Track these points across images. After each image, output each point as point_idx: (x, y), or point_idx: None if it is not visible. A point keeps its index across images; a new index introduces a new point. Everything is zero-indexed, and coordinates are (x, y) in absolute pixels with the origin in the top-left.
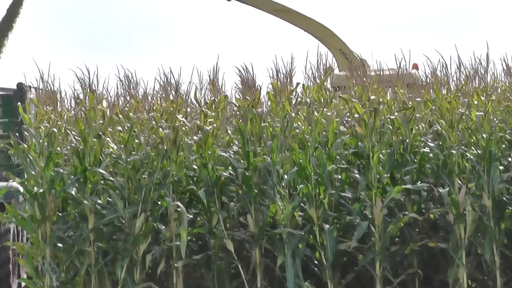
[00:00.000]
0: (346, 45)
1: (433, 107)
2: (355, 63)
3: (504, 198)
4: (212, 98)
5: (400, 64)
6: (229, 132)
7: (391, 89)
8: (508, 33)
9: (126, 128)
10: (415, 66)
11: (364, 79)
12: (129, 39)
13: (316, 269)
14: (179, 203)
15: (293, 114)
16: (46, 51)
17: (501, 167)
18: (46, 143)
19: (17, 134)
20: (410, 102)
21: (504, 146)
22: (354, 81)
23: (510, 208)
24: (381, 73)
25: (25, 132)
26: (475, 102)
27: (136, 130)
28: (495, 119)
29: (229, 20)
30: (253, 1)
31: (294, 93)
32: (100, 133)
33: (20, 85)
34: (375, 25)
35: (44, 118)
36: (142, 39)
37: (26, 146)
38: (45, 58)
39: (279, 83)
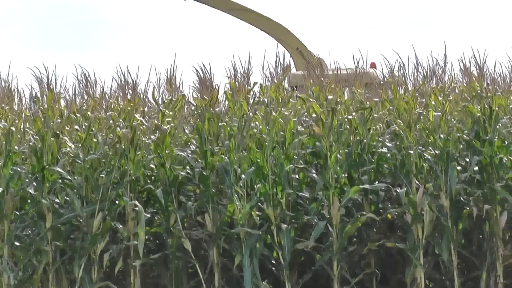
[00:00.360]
0: (303, 44)
1: (391, 107)
2: (312, 62)
3: (461, 198)
4: (170, 98)
5: (357, 64)
6: (187, 131)
7: (349, 88)
8: (465, 33)
9: (83, 127)
10: (373, 65)
11: (322, 78)
12: (87, 38)
13: (273, 268)
14: (136, 202)
15: (250, 114)
16: (3, 50)
17: (458, 168)
18: (4, 142)
19: None
20: (368, 102)
21: (461, 146)
22: (311, 81)
23: (467, 208)
24: (339, 72)
25: None
26: (433, 102)
27: (93, 129)
28: (452, 120)
29: (187, 20)
30: (210, 0)
31: (251, 93)
32: (58, 132)
33: None
34: (332, 24)
35: (2, 117)
36: (100, 38)
37: None
38: (3, 57)
39: (236, 82)
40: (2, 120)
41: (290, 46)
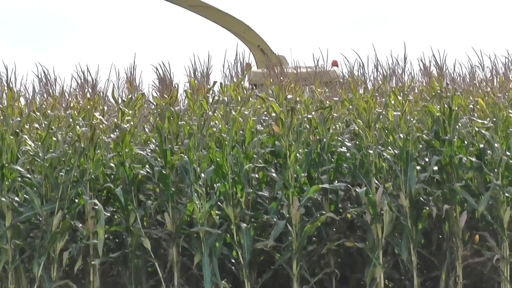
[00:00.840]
0: (265, 42)
1: (350, 106)
2: (273, 60)
3: (421, 198)
4: (130, 96)
5: (317, 62)
6: (147, 130)
7: (308, 87)
8: (425, 33)
9: (43, 125)
10: (335, 63)
11: (281, 77)
12: (46, 36)
13: (233, 267)
14: (96, 201)
15: (210, 113)
16: None
17: (418, 167)
18: None
19: None
20: (328, 102)
21: (421, 146)
22: (271, 80)
23: (427, 208)
24: (299, 71)
25: None
26: (392, 102)
27: (53, 127)
28: (412, 119)
29: (147, 17)
30: None
31: (211, 92)
32: (17, 130)
33: None
34: (294, 22)
35: None
36: (59, 36)
37: None
38: None
39: (196, 81)
40: None
41: (251, 43)
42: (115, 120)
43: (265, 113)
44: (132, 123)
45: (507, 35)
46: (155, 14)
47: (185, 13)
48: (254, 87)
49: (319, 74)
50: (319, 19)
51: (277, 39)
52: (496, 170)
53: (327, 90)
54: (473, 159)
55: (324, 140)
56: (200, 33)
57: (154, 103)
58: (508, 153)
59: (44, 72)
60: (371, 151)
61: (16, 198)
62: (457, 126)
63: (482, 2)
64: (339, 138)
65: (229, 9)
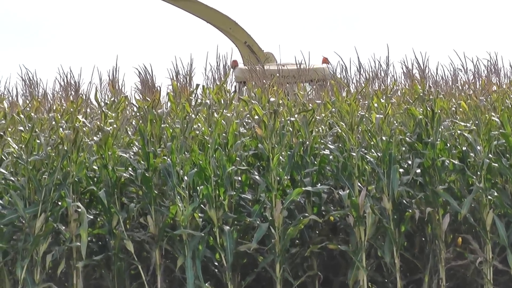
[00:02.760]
0: (252, 38)
1: (333, 109)
2: (261, 57)
3: (404, 201)
4: (112, 99)
5: (301, 61)
6: (129, 133)
7: (293, 85)
8: (408, 36)
9: (27, 128)
10: (325, 61)
11: (264, 81)
12: (29, 38)
13: (216, 270)
14: (79, 204)
15: (193, 115)
16: None
17: (401, 170)
18: None
19: None
20: (310, 104)
21: (404, 149)
22: (253, 83)
23: (409, 211)
24: (287, 68)
25: None
26: (375, 105)
27: (37, 130)
28: (395, 122)
29: (129, 17)
30: None
31: (194, 94)
32: (1, 132)
33: None
34: (282, 19)
35: None
36: (43, 38)
37: None
38: None
39: (179, 84)
40: None
41: (238, 39)
42: (98, 123)
43: (248, 115)
44: (115, 125)
45: (490, 38)
46: (138, 13)
47: (169, 11)
48: (242, 84)
49: (310, 71)
50: (307, 17)
51: (265, 35)
52: (478, 173)
53: (315, 88)
54: (456, 161)
55: (307, 142)
56: (184, 32)
57: (137, 106)
58: (490, 155)
59: (28, 74)
60: (354, 154)
61: (0, 201)
62: (439, 129)
63: (465, 6)
64: (322, 140)
65: (215, 4)
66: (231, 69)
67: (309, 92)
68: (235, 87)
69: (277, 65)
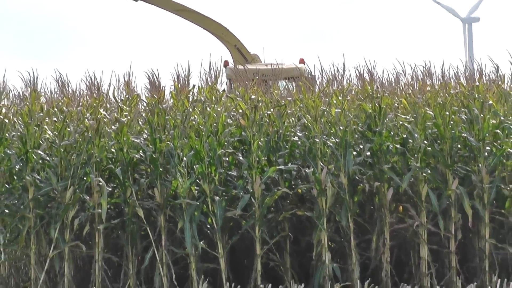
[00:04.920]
0: (241, 42)
1: (301, 105)
2: (248, 57)
3: (356, 177)
4: (127, 96)
5: (282, 61)
6: (140, 123)
7: (271, 82)
8: (359, 46)
9: (60, 119)
10: (302, 61)
11: (246, 82)
12: (61, 48)
13: (208, 231)
14: (100, 179)
15: (190, 109)
16: None
17: (354, 153)
18: None
19: None
20: (283, 101)
21: (357, 136)
22: (238, 84)
23: (361, 185)
24: (268, 67)
25: None
26: (334, 101)
27: (67, 120)
28: (350, 115)
29: (140, 29)
30: (158, 2)
31: (191, 93)
32: (39, 123)
33: None
34: (267, 25)
35: None
36: (71, 48)
37: None
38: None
39: (179, 84)
40: None
41: (229, 43)
42: (116, 115)
43: (234, 109)
44: (129, 117)
45: (424, 49)
46: (148, 25)
47: (173, 21)
48: (231, 81)
49: (288, 70)
50: (288, 25)
51: (252, 39)
52: (416, 155)
53: (293, 84)
54: (398, 146)
55: (280, 131)
56: (184, 41)
57: (146, 102)
58: (425, 142)
59: (60, 77)
60: (317, 140)
61: (38, 177)
62: (385, 120)
63: (404, 23)
64: (292, 129)
65: (210, 13)
66: (224, 68)
67: (287, 87)
68: (226, 83)
69: (261, 64)
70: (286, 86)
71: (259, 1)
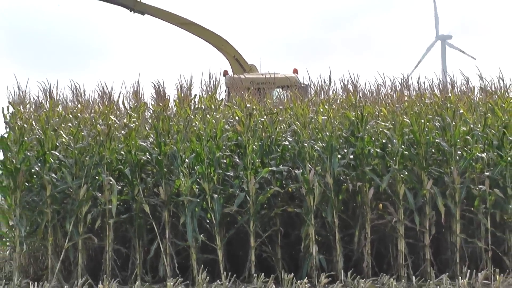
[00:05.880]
0: (239, 53)
1: (291, 112)
2: (245, 68)
3: (341, 178)
4: (135, 104)
5: (266, 76)
6: (147, 128)
7: (269, 90)
8: (344, 61)
9: (74, 124)
10: (295, 71)
11: (242, 92)
12: (77, 61)
13: (208, 226)
14: (111, 178)
15: (192, 116)
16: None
17: (339, 156)
18: (18, 135)
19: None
20: (275, 109)
21: (341, 141)
22: (235, 93)
23: (345, 184)
24: (264, 76)
25: (6, 127)
26: (321, 110)
27: (81, 126)
28: (335, 122)
29: (146, 42)
30: (162, 16)
31: (193, 101)
32: (56, 127)
33: None
34: (264, 37)
35: (18, 117)
36: (86, 61)
37: (5, 136)
38: (23, 75)
39: (182, 94)
40: (18, 120)
41: (228, 54)
42: (125, 121)
43: (231, 117)
44: (136, 123)
45: (402, 63)
46: (155, 38)
47: (177, 34)
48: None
49: (282, 79)
50: (281, 39)
51: (249, 50)
52: (394, 158)
53: (287, 92)
54: (378, 150)
55: (273, 136)
56: (187, 53)
57: (152, 109)
58: (403, 146)
59: (76, 87)
60: (306, 144)
61: (54, 176)
62: (367, 127)
63: (385, 39)
64: (283, 135)
65: (211, 26)
66: (223, 77)
67: (280, 95)
68: (225, 91)
69: (258, 74)
70: (278, 96)
71: (258, 14)
